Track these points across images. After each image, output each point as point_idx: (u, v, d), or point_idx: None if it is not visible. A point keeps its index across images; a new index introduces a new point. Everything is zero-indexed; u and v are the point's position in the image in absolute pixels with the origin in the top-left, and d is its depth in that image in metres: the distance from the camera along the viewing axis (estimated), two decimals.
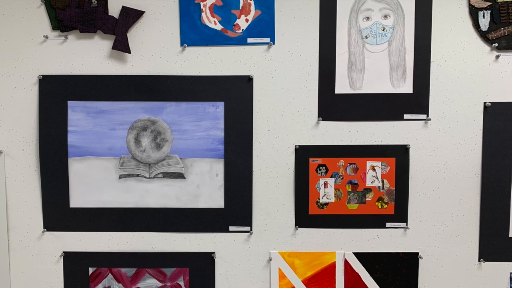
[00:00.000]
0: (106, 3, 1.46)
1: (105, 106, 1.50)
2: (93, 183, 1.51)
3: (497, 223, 1.50)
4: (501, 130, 1.48)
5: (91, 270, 1.53)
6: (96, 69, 1.49)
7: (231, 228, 1.52)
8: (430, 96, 1.49)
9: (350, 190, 1.51)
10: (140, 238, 1.53)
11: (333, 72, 1.49)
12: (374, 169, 1.50)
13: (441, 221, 1.51)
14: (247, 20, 1.47)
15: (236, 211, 1.51)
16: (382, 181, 1.50)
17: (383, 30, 1.47)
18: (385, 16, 1.47)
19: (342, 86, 1.50)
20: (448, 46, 1.48)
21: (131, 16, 1.45)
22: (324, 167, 1.50)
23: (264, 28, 1.48)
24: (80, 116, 1.50)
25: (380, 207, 1.51)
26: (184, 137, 1.50)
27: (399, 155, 1.50)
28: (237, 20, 1.47)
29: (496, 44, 1.48)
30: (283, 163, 1.51)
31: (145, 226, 1.52)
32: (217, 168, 1.50)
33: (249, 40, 1.48)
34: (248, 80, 1.48)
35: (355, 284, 1.52)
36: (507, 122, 1.48)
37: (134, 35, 1.48)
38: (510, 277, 1.52)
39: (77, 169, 1.51)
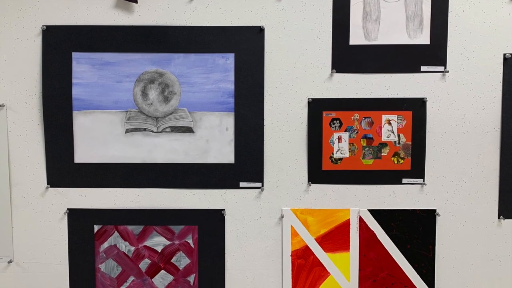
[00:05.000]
0: None
1: (111, 57, 1.51)
2: (98, 137, 1.53)
3: None
4: None
5: (96, 227, 1.55)
6: (101, 20, 1.52)
7: (241, 184, 1.54)
8: (448, 47, 1.52)
9: (365, 144, 1.52)
10: (147, 195, 1.54)
11: (347, 23, 1.52)
12: (389, 123, 1.51)
13: (459, 177, 1.53)
14: None
15: (246, 167, 1.52)
16: (398, 136, 1.51)
17: None
18: None
19: (356, 37, 1.51)
20: None
21: None
22: (338, 121, 1.51)
23: None
24: (85, 68, 1.51)
25: (396, 162, 1.52)
26: (193, 90, 1.51)
27: (415, 109, 1.51)
28: None
29: None
30: (296, 116, 1.52)
31: (152, 182, 1.55)
32: (227, 122, 1.51)
33: None
34: (259, 30, 1.50)
35: (370, 242, 1.53)
36: None
37: None
38: None
39: (82, 123, 1.52)
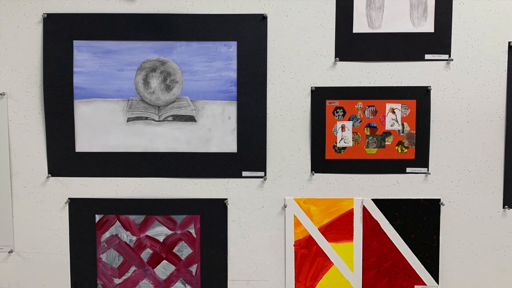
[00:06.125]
0: None
1: (113, 45, 1.51)
2: (100, 126, 1.52)
3: None
4: None
5: (97, 217, 1.55)
6: (103, 7, 1.52)
7: (244, 173, 1.54)
8: (452, 36, 1.52)
9: (368, 133, 1.51)
10: (149, 184, 1.54)
11: (351, 10, 1.52)
12: (393, 112, 1.51)
13: (464, 166, 1.53)
14: None
15: (249, 156, 1.52)
16: (402, 124, 1.51)
17: None
18: None
19: (360, 25, 1.51)
20: None
21: None
22: (341, 110, 1.51)
23: None
24: (86, 56, 1.51)
25: (400, 151, 1.51)
26: (195, 78, 1.51)
27: (420, 97, 1.51)
28: None
29: None
30: (299, 105, 1.52)
31: (154, 171, 1.54)
32: (230, 110, 1.51)
33: None
34: (262, 18, 1.49)
35: (374, 232, 1.53)
36: None
37: None
38: None
39: (83, 111, 1.52)
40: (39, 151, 1.55)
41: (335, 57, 1.52)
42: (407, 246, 1.54)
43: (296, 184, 1.55)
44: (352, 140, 1.53)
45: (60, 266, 1.57)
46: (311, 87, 1.52)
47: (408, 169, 1.54)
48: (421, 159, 1.53)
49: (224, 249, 1.56)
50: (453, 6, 1.50)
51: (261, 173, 1.54)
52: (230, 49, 1.51)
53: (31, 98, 1.53)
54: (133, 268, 1.57)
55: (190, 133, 1.53)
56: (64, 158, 1.54)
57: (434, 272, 1.54)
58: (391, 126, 1.53)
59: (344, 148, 1.53)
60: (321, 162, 1.54)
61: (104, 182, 1.55)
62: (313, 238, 1.55)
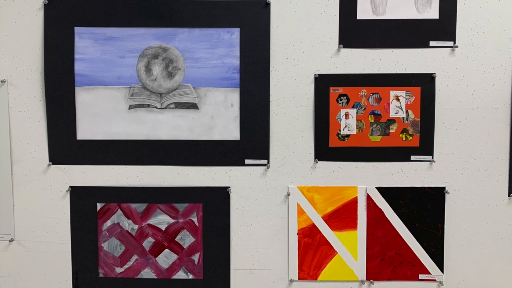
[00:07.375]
0: None
1: (114, 32, 1.50)
2: (101, 113, 1.52)
3: None
4: None
5: (99, 205, 1.54)
6: None
7: (247, 161, 1.53)
8: (457, 22, 1.52)
9: (372, 121, 1.50)
10: (151, 172, 1.53)
11: None
12: (398, 99, 1.50)
13: (469, 154, 1.52)
14: None
15: (252, 144, 1.51)
16: (407, 112, 1.50)
17: None
18: None
19: (364, 11, 1.51)
20: None
21: None
22: (345, 97, 1.50)
23: None
24: (87, 43, 1.50)
25: (404, 139, 1.50)
26: (198, 65, 1.50)
27: (424, 84, 1.50)
28: None
29: None
30: (302, 92, 1.51)
31: (156, 159, 1.54)
32: (232, 98, 1.50)
33: None
34: (265, 5, 1.49)
35: (378, 221, 1.52)
36: None
37: None
38: None
39: (84, 99, 1.51)
40: (40, 138, 1.53)
41: (339, 44, 1.51)
42: (411, 235, 1.53)
43: (299, 172, 1.54)
44: (356, 128, 1.52)
45: (61, 255, 1.56)
46: (315, 74, 1.51)
47: (413, 157, 1.53)
48: (426, 147, 1.52)
49: (227, 238, 1.55)
50: None
51: (264, 161, 1.53)
52: (233, 35, 1.50)
53: (32, 85, 1.52)
54: (135, 257, 1.55)
55: (193, 120, 1.52)
56: (65, 146, 1.53)
57: (439, 261, 1.53)
58: (396, 113, 1.52)
59: (348, 135, 1.52)
60: (325, 150, 1.53)
61: (105, 170, 1.54)
62: (316, 227, 1.54)
